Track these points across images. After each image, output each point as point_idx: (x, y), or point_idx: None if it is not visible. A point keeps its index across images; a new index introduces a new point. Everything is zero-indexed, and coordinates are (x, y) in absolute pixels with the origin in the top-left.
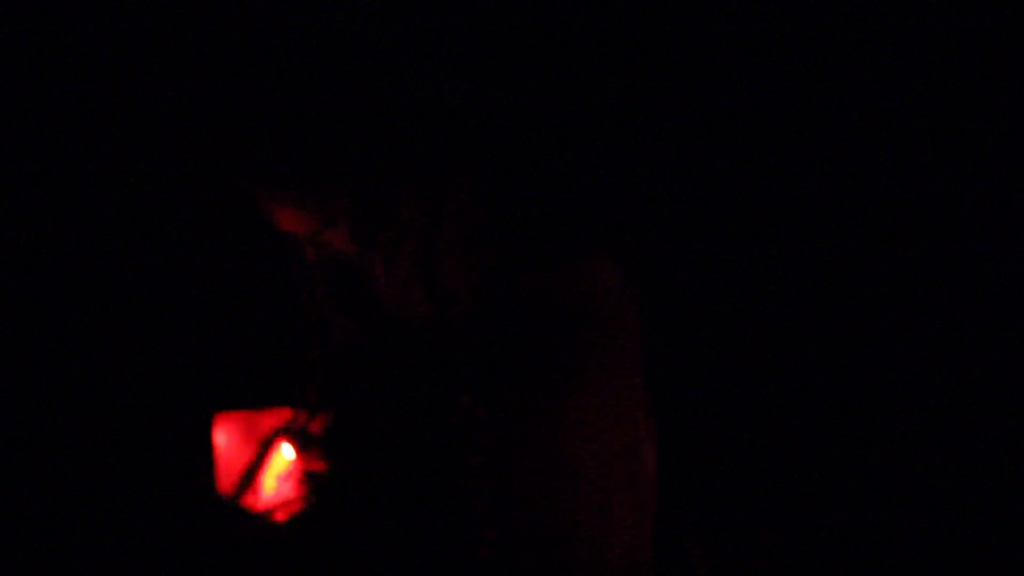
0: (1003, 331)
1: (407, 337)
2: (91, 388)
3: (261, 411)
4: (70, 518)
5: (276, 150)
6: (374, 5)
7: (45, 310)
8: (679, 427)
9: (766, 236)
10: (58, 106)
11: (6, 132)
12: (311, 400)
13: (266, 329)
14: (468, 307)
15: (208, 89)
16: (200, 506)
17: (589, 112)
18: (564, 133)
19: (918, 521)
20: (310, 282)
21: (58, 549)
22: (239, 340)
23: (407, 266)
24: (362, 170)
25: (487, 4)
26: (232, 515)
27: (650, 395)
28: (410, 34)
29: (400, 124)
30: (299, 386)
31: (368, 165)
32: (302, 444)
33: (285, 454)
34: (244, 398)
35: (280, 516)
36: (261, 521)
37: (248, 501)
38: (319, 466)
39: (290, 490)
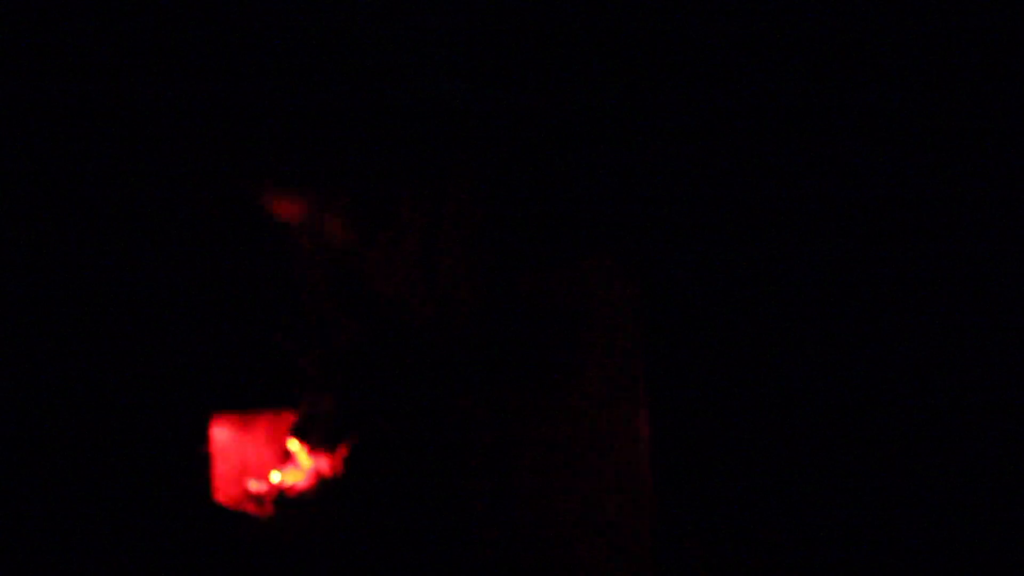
0: (1003, 331)
1: (407, 337)
2: (89, 389)
3: (258, 413)
4: (68, 520)
5: (276, 150)
6: (374, 5)
7: (43, 310)
8: (679, 427)
9: (766, 236)
10: (58, 106)
11: (6, 132)
12: (313, 401)
13: (265, 329)
14: (468, 307)
15: (208, 89)
16: (198, 508)
17: (589, 112)
18: (564, 133)
19: (918, 521)
20: (310, 280)
21: (56, 550)
22: (238, 340)
23: (407, 266)
24: (362, 170)
25: (487, 4)
26: (230, 517)
27: (650, 395)
28: (410, 34)
29: (400, 124)
30: (299, 387)
31: (368, 165)
32: (311, 445)
33: (294, 455)
34: (242, 399)
35: (282, 515)
36: (260, 522)
37: (249, 502)
38: (327, 466)
39: (298, 489)
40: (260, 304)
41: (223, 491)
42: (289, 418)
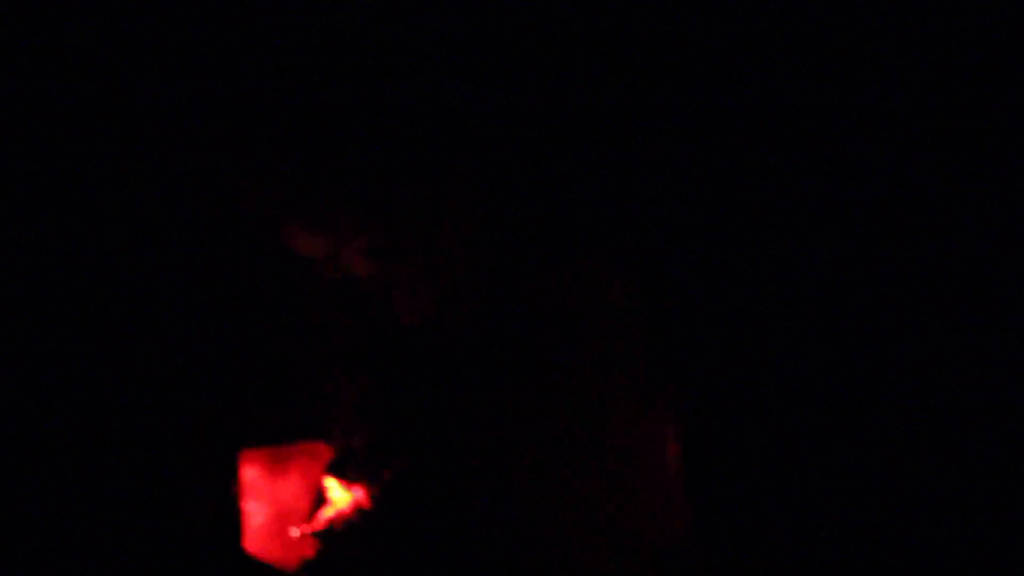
0: (1003, 331)
1: (408, 338)
2: (112, 424)
3: (288, 451)
4: (94, 560)
5: (277, 150)
6: (374, 5)
7: (57, 335)
8: (679, 426)
9: (766, 236)
10: (58, 106)
11: (6, 132)
12: (348, 434)
13: (288, 359)
14: (468, 307)
15: (208, 89)
16: (227, 560)
17: (589, 112)
18: (564, 133)
19: (918, 521)
20: (329, 307)
21: None
22: (261, 372)
23: (409, 270)
24: (362, 170)
25: (487, 4)
26: (263, 571)
27: (651, 394)
28: (410, 34)
29: (400, 124)
30: (332, 419)
31: (368, 165)
32: (349, 480)
33: (331, 494)
34: (270, 433)
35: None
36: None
37: (287, 550)
38: (365, 498)
39: (338, 527)
40: (278, 331)
41: (255, 539)
42: (323, 454)
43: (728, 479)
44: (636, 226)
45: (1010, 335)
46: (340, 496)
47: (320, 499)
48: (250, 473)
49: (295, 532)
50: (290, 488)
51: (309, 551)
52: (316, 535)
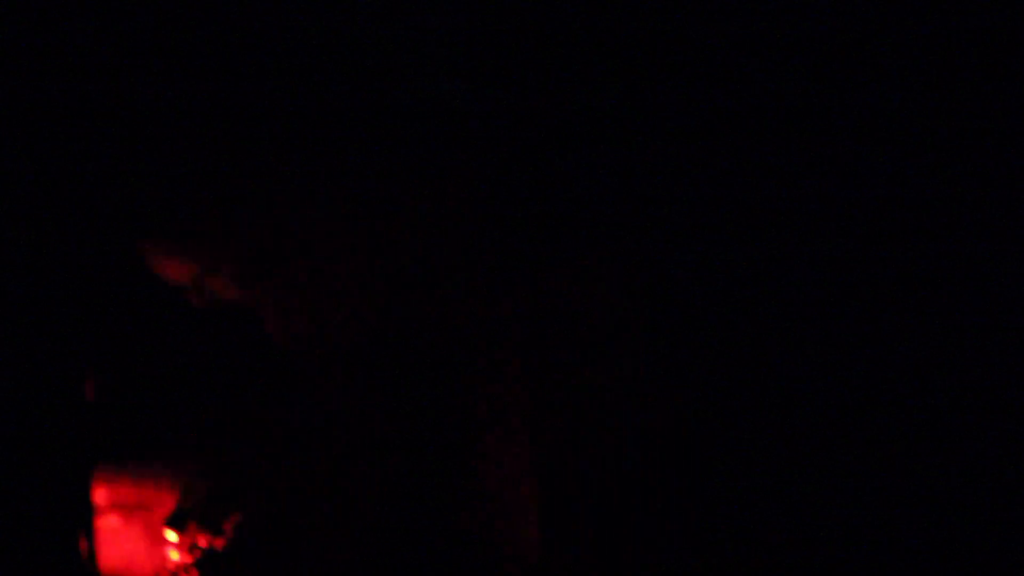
0: (1003, 331)
1: (408, 338)
2: None
3: (144, 468)
4: None
5: (277, 150)
6: (374, 5)
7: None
8: (679, 426)
9: (767, 236)
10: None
11: (6, 132)
12: (187, 489)
13: (152, 380)
14: (468, 307)
15: (208, 89)
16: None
17: (589, 112)
18: (564, 133)
19: (918, 521)
20: (195, 331)
21: None
22: (123, 392)
23: (407, 267)
24: (362, 170)
25: (487, 4)
26: None
27: (651, 393)
28: (410, 34)
29: (400, 124)
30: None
31: (368, 165)
32: (186, 533)
33: (174, 543)
34: (126, 451)
35: None
36: None
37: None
38: (207, 542)
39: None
40: (143, 356)
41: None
42: (165, 504)
43: (732, 479)
44: (636, 226)
45: (1010, 335)
46: (181, 546)
47: (162, 551)
48: (100, 528)
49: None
50: (135, 542)
51: None
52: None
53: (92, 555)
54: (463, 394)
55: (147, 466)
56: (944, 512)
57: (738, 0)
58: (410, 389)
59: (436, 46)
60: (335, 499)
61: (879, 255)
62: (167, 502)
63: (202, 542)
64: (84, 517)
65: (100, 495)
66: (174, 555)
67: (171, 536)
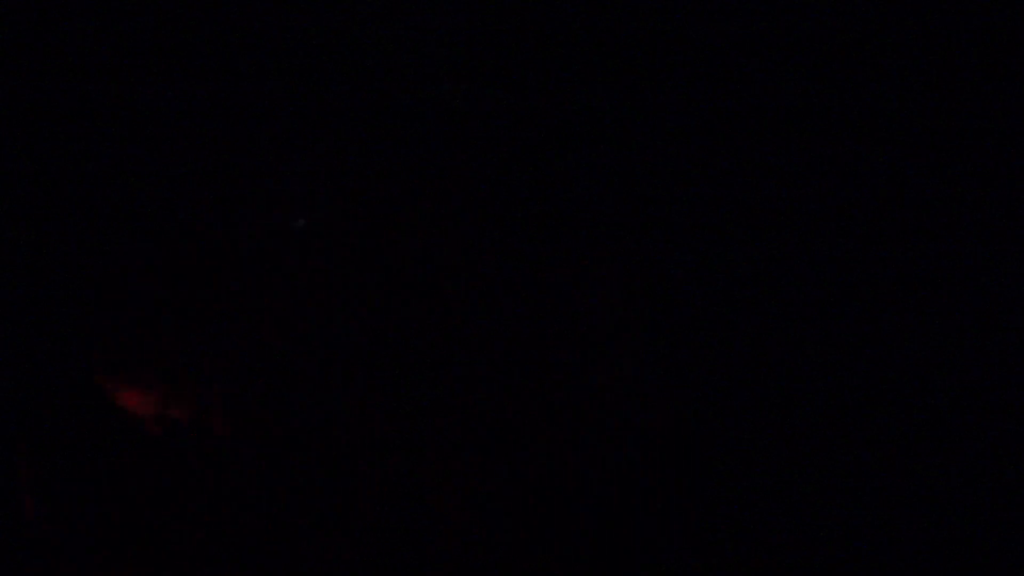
0: (1003, 331)
1: (408, 337)
2: None
3: None
4: None
5: (276, 150)
6: (374, 5)
7: None
8: (680, 426)
9: (767, 236)
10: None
11: (6, 132)
12: None
13: None
14: (468, 307)
15: (207, 89)
16: None
17: (589, 112)
18: (564, 133)
19: (918, 521)
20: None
21: None
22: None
23: (408, 267)
24: (361, 170)
25: (487, 4)
26: None
27: (652, 395)
28: (410, 34)
29: (400, 124)
30: None
31: (368, 165)
32: None
33: None
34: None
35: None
36: None
37: None
38: None
39: None
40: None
41: None
42: None
43: (732, 479)
44: (636, 226)
45: (1010, 335)
46: None
47: None
48: None
49: None
50: None
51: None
52: None
53: None
54: (463, 394)
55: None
56: (944, 512)
57: (738, 0)
58: (410, 389)
59: (436, 46)
60: (334, 499)
61: (879, 255)
62: None
63: None
64: None
65: None
66: None
67: None
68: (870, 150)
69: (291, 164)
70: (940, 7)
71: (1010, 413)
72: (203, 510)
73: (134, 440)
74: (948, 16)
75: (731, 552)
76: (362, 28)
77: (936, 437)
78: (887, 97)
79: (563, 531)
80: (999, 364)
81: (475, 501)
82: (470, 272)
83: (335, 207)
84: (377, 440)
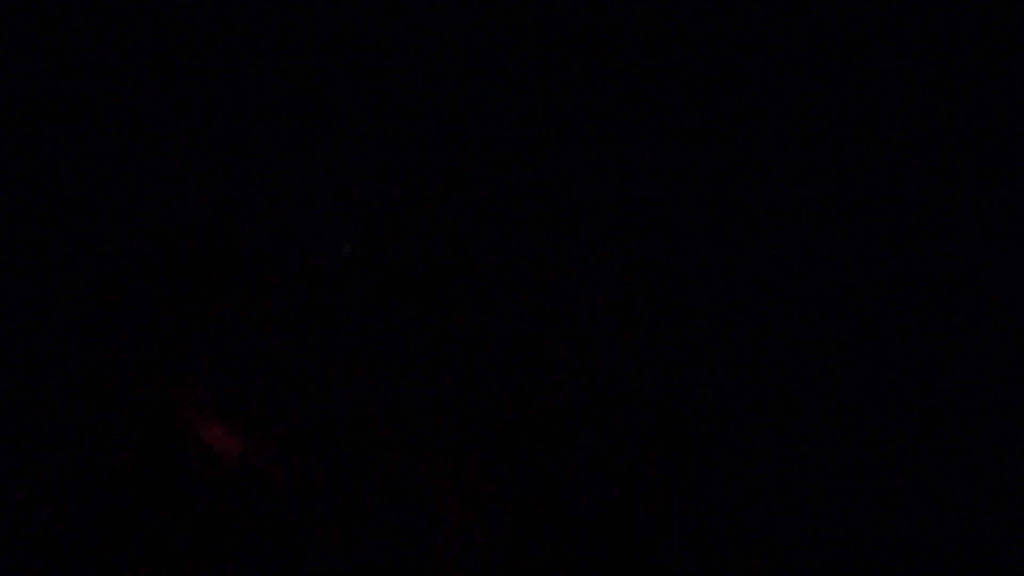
0: (1003, 331)
1: (408, 337)
2: None
3: None
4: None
5: (275, 151)
6: (374, 5)
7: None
8: (680, 426)
9: (766, 236)
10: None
11: (6, 132)
12: None
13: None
14: (468, 307)
15: (207, 89)
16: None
17: (589, 112)
18: (564, 133)
19: (918, 521)
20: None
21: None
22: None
23: (407, 267)
24: (362, 170)
25: (487, 4)
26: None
27: (651, 395)
28: (410, 34)
29: (400, 124)
30: None
31: (368, 165)
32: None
33: None
34: None
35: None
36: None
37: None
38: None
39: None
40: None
41: None
42: None
43: (732, 479)
44: (636, 226)
45: (1010, 336)
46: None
47: None
48: None
49: None
50: None
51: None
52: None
53: None
54: (463, 394)
55: None
56: (944, 512)
57: (738, 0)
58: (410, 389)
59: (436, 46)
60: (335, 499)
61: (879, 255)
62: None
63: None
64: None
65: None
66: None
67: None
68: (870, 150)
69: (291, 164)
70: (940, 7)
71: (1010, 413)
72: (207, 511)
73: (197, 466)
74: (948, 16)
75: (731, 551)
76: (362, 28)
77: (936, 437)
78: (887, 97)
79: (563, 531)
80: (999, 364)
81: (475, 501)
82: (470, 272)
83: (336, 208)
84: (377, 440)
